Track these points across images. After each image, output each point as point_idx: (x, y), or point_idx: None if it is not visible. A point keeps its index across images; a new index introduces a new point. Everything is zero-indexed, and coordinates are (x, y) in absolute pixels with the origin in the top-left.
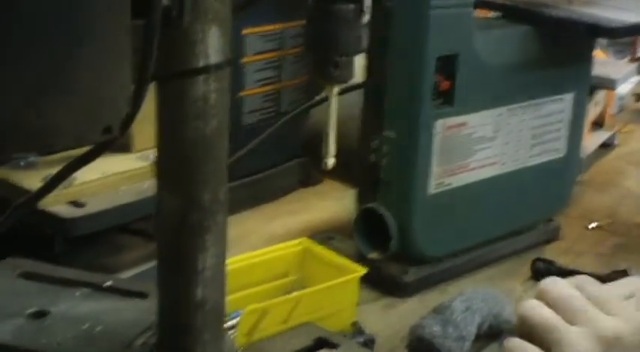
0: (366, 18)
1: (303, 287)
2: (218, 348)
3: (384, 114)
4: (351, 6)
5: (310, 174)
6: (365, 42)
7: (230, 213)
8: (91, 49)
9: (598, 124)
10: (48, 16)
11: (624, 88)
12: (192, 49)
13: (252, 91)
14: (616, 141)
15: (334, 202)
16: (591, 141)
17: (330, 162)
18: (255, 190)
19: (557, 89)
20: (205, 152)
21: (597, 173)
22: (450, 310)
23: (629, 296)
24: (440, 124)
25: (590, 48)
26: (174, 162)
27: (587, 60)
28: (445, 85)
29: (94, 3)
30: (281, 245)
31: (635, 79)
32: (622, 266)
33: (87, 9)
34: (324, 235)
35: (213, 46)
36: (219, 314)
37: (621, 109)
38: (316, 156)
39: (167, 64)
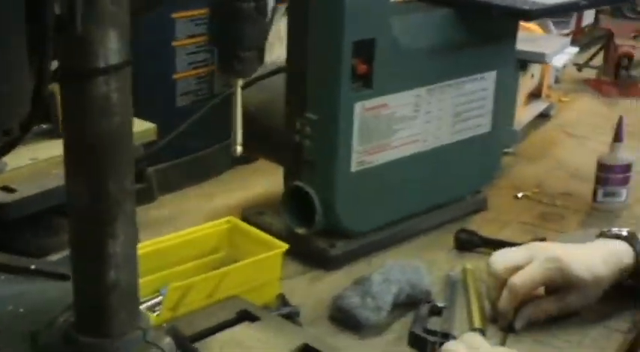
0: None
1: (233, 262)
2: (134, 325)
3: (306, 97)
4: (252, 4)
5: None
6: (266, 36)
7: (168, 191)
8: None
9: (535, 96)
10: None
11: (560, 60)
12: (91, 51)
13: (185, 74)
14: (552, 112)
15: (270, 178)
16: (526, 113)
17: (238, 149)
18: (193, 169)
19: (479, 68)
20: (110, 147)
21: (531, 143)
22: (369, 282)
23: (530, 260)
24: (359, 106)
25: (513, 27)
26: (81, 157)
27: (509, 39)
28: (363, 68)
29: None
30: (209, 224)
31: (572, 50)
32: (542, 235)
33: None
34: (256, 211)
35: (112, 48)
36: (133, 294)
37: (557, 80)
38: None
39: (69, 65)
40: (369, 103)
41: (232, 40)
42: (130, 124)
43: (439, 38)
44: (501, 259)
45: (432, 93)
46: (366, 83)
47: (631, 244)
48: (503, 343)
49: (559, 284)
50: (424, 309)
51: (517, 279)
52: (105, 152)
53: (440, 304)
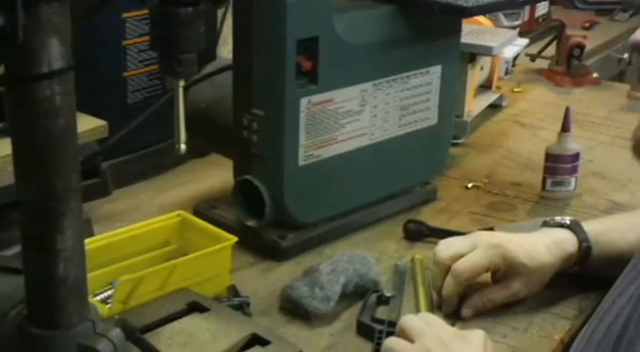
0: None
1: (184, 255)
2: (83, 317)
3: (252, 93)
4: (190, 9)
5: (199, 146)
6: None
7: (123, 185)
8: None
9: (486, 87)
10: None
11: (510, 52)
12: (35, 58)
13: (137, 72)
14: (504, 103)
15: (224, 171)
16: (477, 104)
17: (182, 148)
18: (147, 163)
19: (424, 63)
20: (55, 147)
21: (482, 134)
22: (318, 272)
23: (472, 247)
24: (305, 102)
25: (457, 22)
26: (28, 156)
27: (453, 33)
28: (308, 65)
29: None
30: (160, 217)
31: (522, 42)
32: (490, 225)
33: None
34: (208, 204)
35: (54, 54)
36: (81, 288)
37: (507, 72)
38: (200, 129)
39: (16, 70)
40: (315, 99)
41: (171, 43)
42: (75, 125)
43: (383, 35)
44: (446, 248)
45: (377, 87)
46: (311, 79)
47: (574, 232)
48: None
49: (503, 272)
50: (372, 299)
51: (460, 265)
52: (50, 152)
53: (388, 293)
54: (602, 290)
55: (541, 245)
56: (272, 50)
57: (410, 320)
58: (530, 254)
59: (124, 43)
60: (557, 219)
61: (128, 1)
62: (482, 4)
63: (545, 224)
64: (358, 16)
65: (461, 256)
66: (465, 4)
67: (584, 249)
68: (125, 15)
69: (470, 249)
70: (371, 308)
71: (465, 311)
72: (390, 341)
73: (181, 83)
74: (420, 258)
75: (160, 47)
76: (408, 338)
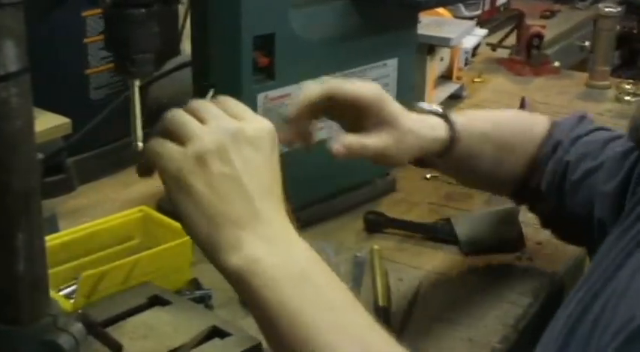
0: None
1: (147, 249)
2: (44, 313)
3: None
4: (142, 10)
5: None
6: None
7: (86, 181)
8: None
9: (446, 78)
10: None
11: (469, 42)
12: None
13: (99, 69)
14: (465, 93)
15: None
16: (437, 95)
17: (139, 146)
18: (111, 159)
19: (380, 56)
20: (12, 148)
21: None
22: None
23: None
24: (262, 97)
25: (413, 15)
26: None
27: (409, 26)
28: (264, 61)
29: None
30: (123, 213)
31: (481, 32)
32: (447, 215)
33: None
34: None
35: (9, 57)
36: (42, 284)
37: (467, 62)
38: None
39: None
40: (272, 94)
41: (124, 44)
42: (32, 126)
43: (338, 29)
44: None
45: None
46: (268, 75)
47: (445, 119)
48: (405, 322)
49: (376, 123)
50: None
51: (331, 81)
52: (8, 154)
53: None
54: (556, 276)
55: (416, 119)
56: (228, 47)
57: (178, 116)
58: (405, 115)
59: (85, 40)
60: (426, 105)
61: (84, 2)
62: None
63: (414, 109)
64: (313, 12)
65: None
66: None
67: (452, 139)
68: (85, 13)
69: None
70: None
71: (335, 147)
72: (152, 142)
73: (137, 83)
74: (379, 248)
75: (114, 48)
76: (178, 139)
